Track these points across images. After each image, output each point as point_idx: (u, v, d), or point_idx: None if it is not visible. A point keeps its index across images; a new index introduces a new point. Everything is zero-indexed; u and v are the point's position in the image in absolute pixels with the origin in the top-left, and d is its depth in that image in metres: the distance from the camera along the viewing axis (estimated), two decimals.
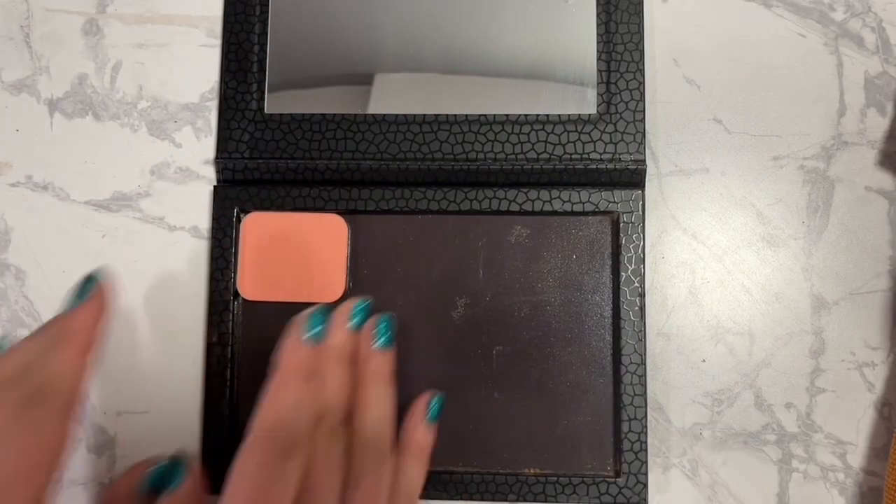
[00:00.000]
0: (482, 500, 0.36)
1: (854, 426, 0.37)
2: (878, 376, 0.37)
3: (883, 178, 0.38)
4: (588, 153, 0.37)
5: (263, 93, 0.39)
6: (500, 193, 0.37)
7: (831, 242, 0.38)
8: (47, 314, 0.39)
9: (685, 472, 0.37)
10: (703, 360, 0.38)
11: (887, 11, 0.39)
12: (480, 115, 0.38)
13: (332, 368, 0.32)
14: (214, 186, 0.39)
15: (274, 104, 0.39)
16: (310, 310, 0.32)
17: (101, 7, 0.41)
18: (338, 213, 0.38)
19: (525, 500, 0.36)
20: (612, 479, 0.36)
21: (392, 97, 0.38)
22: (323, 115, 0.38)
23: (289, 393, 0.29)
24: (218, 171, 0.39)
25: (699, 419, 0.38)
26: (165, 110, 0.40)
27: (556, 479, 0.36)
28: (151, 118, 0.40)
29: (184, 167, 0.40)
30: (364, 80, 0.39)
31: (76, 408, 0.23)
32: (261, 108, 0.39)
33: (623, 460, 0.36)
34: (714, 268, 0.38)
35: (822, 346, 0.38)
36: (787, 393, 0.37)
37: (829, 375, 0.37)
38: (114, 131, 0.40)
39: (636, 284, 0.36)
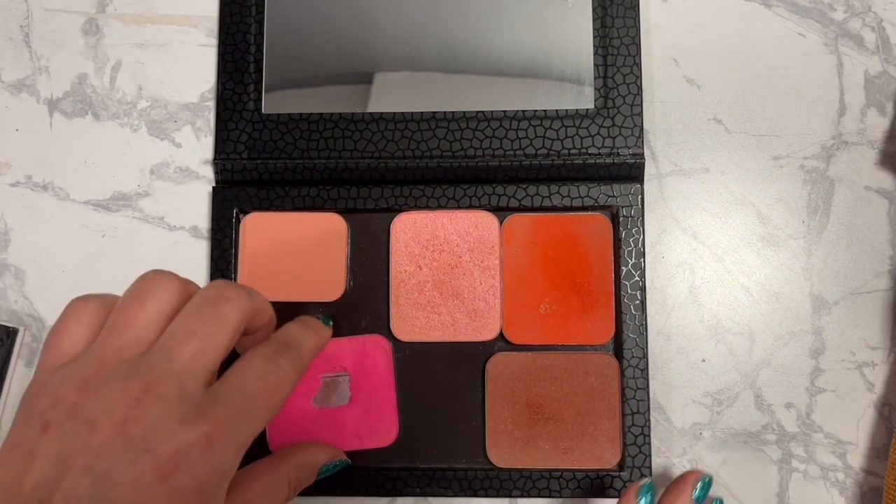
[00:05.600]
0: (486, 496, 0.36)
1: (854, 426, 0.37)
2: (878, 376, 0.37)
3: (883, 178, 0.38)
4: (586, 148, 0.37)
5: (261, 93, 0.39)
6: (500, 189, 0.37)
7: (831, 242, 0.38)
8: (47, 314, 0.39)
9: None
10: (703, 360, 0.38)
11: (887, 11, 0.39)
12: (478, 112, 0.38)
13: None
14: (213, 187, 0.39)
15: (271, 104, 0.39)
16: (641, 482, 0.33)
17: (101, 7, 0.41)
18: (337, 213, 0.38)
19: (529, 496, 0.36)
20: (617, 473, 0.36)
21: (389, 96, 0.38)
22: (321, 114, 0.38)
23: None
24: (216, 172, 0.39)
25: (699, 419, 0.38)
26: (165, 110, 0.40)
27: (559, 473, 0.36)
28: (151, 118, 0.40)
29: (183, 167, 0.40)
30: (361, 78, 0.39)
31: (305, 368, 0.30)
32: (258, 109, 0.39)
33: (627, 454, 0.36)
34: (714, 268, 0.38)
35: (822, 346, 0.38)
36: (787, 393, 0.37)
37: (829, 375, 0.37)
38: (113, 131, 0.40)
39: (637, 278, 0.36)
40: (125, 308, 0.27)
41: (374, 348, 0.37)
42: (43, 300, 0.40)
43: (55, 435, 0.25)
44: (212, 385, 0.27)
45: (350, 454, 0.36)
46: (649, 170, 0.39)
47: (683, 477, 0.33)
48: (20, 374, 0.39)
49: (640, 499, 0.32)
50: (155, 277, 0.28)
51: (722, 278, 0.38)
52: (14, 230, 0.40)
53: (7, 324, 0.38)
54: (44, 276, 0.40)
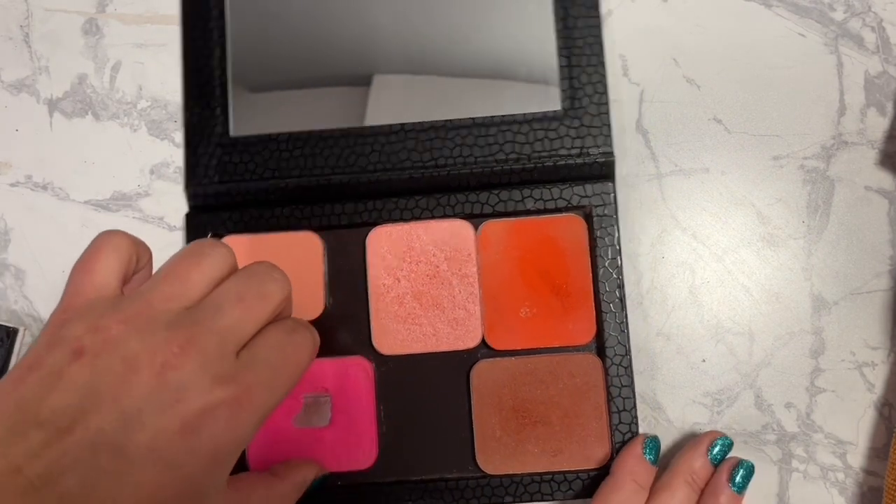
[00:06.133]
0: None
1: (854, 426, 0.37)
2: (878, 376, 0.37)
3: (883, 178, 0.38)
4: (556, 150, 0.37)
5: (228, 116, 0.38)
6: (472, 197, 0.37)
7: (831, 242, 0.38)
8: (47, 314, 0.39)
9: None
10: (703, 360, 0.38)
11: (887, 11, 0.39)
12: (446, 121, 0.38)
13: (679, 487, 0.34)
14: (186, 214, 0.38)
15: (240, 126, 0.38)
16: (648, 435, 0.35)
17: (101, 7, 0.41)
18: (312, 231, 0.38)
19: (522, 501, 0.36)
20: (608, 472, 0.36)
21: (356, 110, 0.38)
22: (289, 133, 0.38)
23: (621, 494, 0.33)
24: (189, 198, 0.38)
25: (699, 419, 0.38)
26: (165, 110, 0.40)
27: (550, 476, 0.36)
28: (151, 118, 0.40)
29: (183, 167, 0.40)
30: (327, 96, 0.39)
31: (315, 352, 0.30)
32: (226, 132, 0.38)
33: (616, 452, 0.36)
34: (714, 268, 0.38)
35: (822, 346, 0.38)
36: (787, 393, 0.37)
37: (829, 375, 0.37)
38: (113, 131, 0.40)
39: (614, 276, 0.36)
40: (181, 262, 0.28)
41: (357, 370, 0.37)
42: (43, 300, 0.40)
43: (88, 363, 0.24)
44: (240, 354, 0.27)
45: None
46: (649, 170, 0.39)
47: (701, 435, 0.35)
48: None
49: (714, 448, 0.34)
50: (213, 244, 0.29)
51: (722, 278, 0.38)
52: (14, 230, 0.40)
53: (7, 324, 0.38)
54: (44, 276, 0.40)
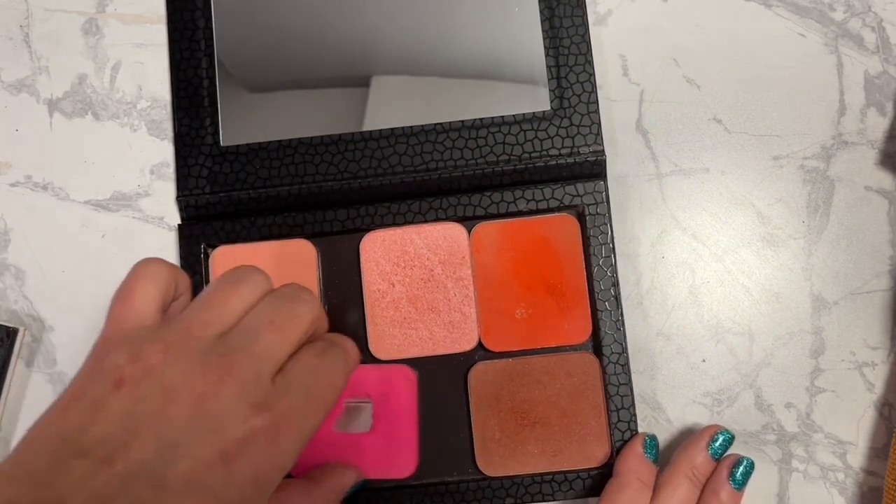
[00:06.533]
0: None
1: (854, 426, 0.37)
2: (878, 376, 0.37)
3: (883, 178, 0.38)
4: (547, 150, 0.37)
5: (217, 126, 0.38)
6: (465, 199, 0.37)
7: (831, 242, 0.38)
8: (47, 314, 0.39)
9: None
10: (703, 360, 0.38)
11: (887, 11, 0.39)
12: (436, 125, 0.38)
13: (680, 483, 0.34)
14: (179, 225, 0.38)
15: (229, 136, 0.38)
16: (647, 434, 0.35)
17: (101, 7, 0.41)
18: (305, 238, 0.38)
19: (523, 502, 0.36)
20: (608, 471, 0.36)
21: (346, 116, 0.38)
22: (279, 141, 0.38)
23: (627, 493, 0.33)
24: (181, 209, 0.38)
25: (699, 419, 0.38)
26: (165, 110, 0.40)
27: (551, 476, 0.36)
28: (151, 118, 0.40)
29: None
30: (316, 102, 0.39)
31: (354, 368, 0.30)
32: (217, 142, 0.38)
33: (616, 451, 0.36)
34: (714, 268, 0.38)
35: (822, 346, 0.38)
36: (787, 393, 0.37)
37: (829, 375, 0.37)
38: (113, 131, 0.40)
39: (608, 275, 0.36)
40: (220, 289, 0.28)
41: (400, 378, 0.37)
42: (43, 300, 0.40)
43: (128, 393, 0.24)
44: (275, 379, 0.27)
45: None
46: (649, 169, 0.39)
47: (702, 430, 0.35)
48: (20, 374, 0.39)
49: (715, 442, 0.35)
50: (251, 269, 0.29)
51: (722, 278, 0.38)
52: (14, 230, 0.40)
53: (7, 324, 0.38)
54: (44, 276, 0.40)
